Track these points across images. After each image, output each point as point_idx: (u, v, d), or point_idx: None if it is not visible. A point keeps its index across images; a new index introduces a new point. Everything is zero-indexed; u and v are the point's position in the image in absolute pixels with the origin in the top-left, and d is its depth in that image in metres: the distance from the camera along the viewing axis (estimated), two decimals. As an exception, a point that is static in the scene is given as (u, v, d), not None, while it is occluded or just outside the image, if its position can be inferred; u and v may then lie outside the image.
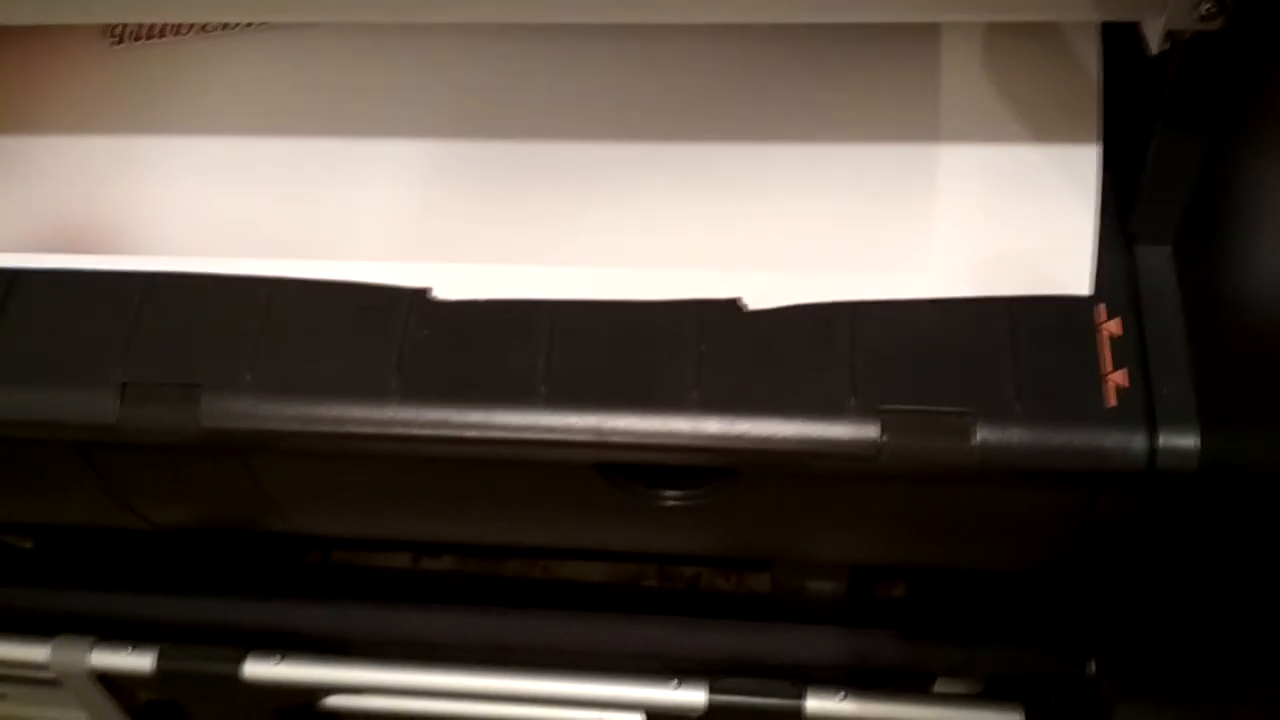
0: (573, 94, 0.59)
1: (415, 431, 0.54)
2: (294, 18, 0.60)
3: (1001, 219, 0.55)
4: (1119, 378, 0.52)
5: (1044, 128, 0.55)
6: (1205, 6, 0.45)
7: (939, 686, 0.72)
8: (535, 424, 0.54)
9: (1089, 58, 0.55)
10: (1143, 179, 0.53)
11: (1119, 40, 0.54)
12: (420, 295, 0.57)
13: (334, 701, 0.71)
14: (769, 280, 0.55)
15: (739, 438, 0.53)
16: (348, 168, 0.60)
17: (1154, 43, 0.47)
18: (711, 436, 0.53)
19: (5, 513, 0.73)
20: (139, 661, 0.71)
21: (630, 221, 0.57)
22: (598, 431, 0.53)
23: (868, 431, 0.52)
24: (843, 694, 0.66)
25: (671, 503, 0.60)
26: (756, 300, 0.55)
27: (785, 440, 0.52)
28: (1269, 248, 0.45)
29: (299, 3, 0.53)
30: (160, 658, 0.70)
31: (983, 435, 0.51)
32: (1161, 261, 0.54)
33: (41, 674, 0.73)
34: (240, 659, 0.69)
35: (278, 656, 0.69)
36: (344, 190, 0.59)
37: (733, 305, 0.55)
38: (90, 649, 0.71)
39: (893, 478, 0.53)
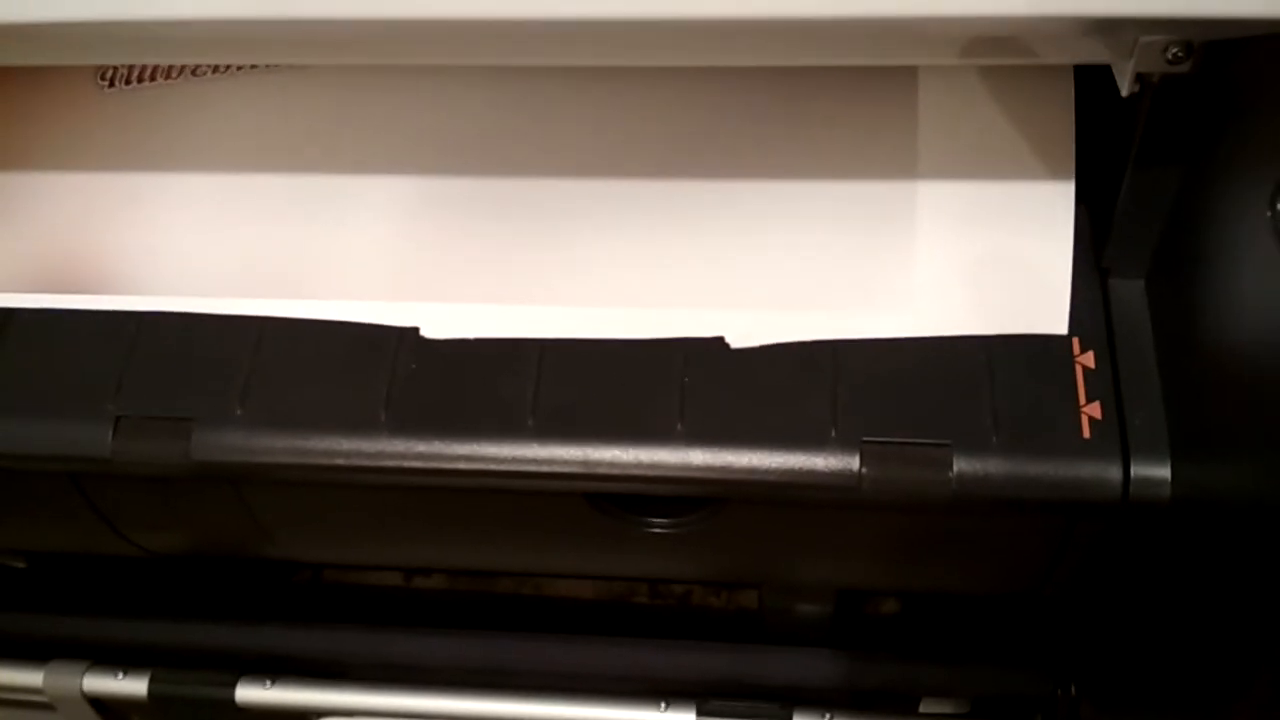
0: (558, 134, 0.60)
1: (405, 463, 0.55)
2: (283, 60, 0.61)
3: (980, 259, 0.56)
4: (1093, 410, 0.53)
5: (1020, 166, 0.56)
6: (1173, 50, 0.46)
7: (925, 707, 0.73)
8: (524, 455, 0.54)
9: (1063, 97, 0.56)
10: (1116, 215, 0.54)
11: (1092, 79, 0.55)
12: (410, 334, 0.57)
13: (326, 725, 0.72)
14: (752, 319, 0.56)
15: (723, 468, 0.54)
16: (337, 208, 0.60)
17: (1125, 85, 0.48)
18: (696, 467, 0.54)
19: (0, 539, 0.74)
20: (132, 686, 0.71)
21: (615, 260, 0.58)
22: (585, 462, 0.54)
23: (848, 462, 0.53)
24: (829, 715, 0.67)
25: (658, 530, 0.60)
26: (740, 339, 0.56)
27: (768, 471, 0.53)
28: (1238, 282, 0.46)
29: (288, 47, 0.54)
30: (153, 682, 0.70)
31: (960, 466, 0.52)
32: (1134, 295, 0.55)
33: (35, 698, 0.73)
34: (233, 683, 0.70)
35: (269, 681, 0.70)
36: (334, 230, 0.60)
37: (717, 342, 0.56)
38: (84, 673, 0.71)
39: (873, 507, 0.54)
